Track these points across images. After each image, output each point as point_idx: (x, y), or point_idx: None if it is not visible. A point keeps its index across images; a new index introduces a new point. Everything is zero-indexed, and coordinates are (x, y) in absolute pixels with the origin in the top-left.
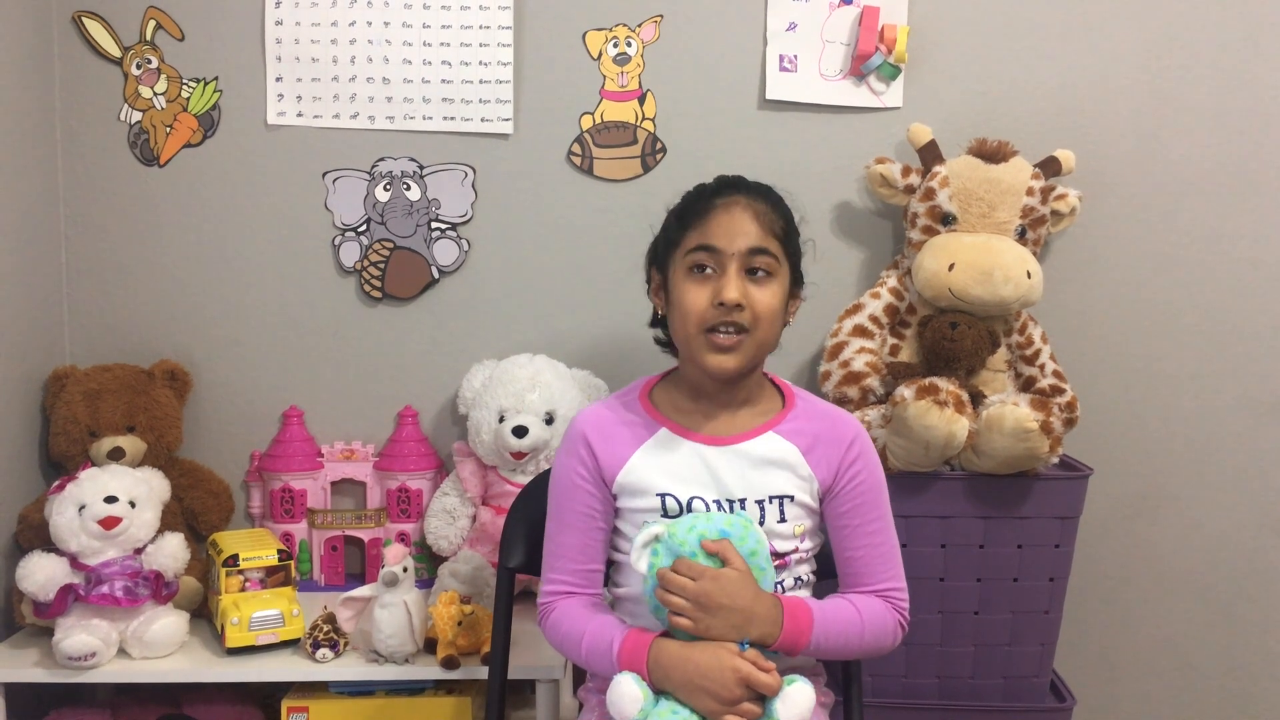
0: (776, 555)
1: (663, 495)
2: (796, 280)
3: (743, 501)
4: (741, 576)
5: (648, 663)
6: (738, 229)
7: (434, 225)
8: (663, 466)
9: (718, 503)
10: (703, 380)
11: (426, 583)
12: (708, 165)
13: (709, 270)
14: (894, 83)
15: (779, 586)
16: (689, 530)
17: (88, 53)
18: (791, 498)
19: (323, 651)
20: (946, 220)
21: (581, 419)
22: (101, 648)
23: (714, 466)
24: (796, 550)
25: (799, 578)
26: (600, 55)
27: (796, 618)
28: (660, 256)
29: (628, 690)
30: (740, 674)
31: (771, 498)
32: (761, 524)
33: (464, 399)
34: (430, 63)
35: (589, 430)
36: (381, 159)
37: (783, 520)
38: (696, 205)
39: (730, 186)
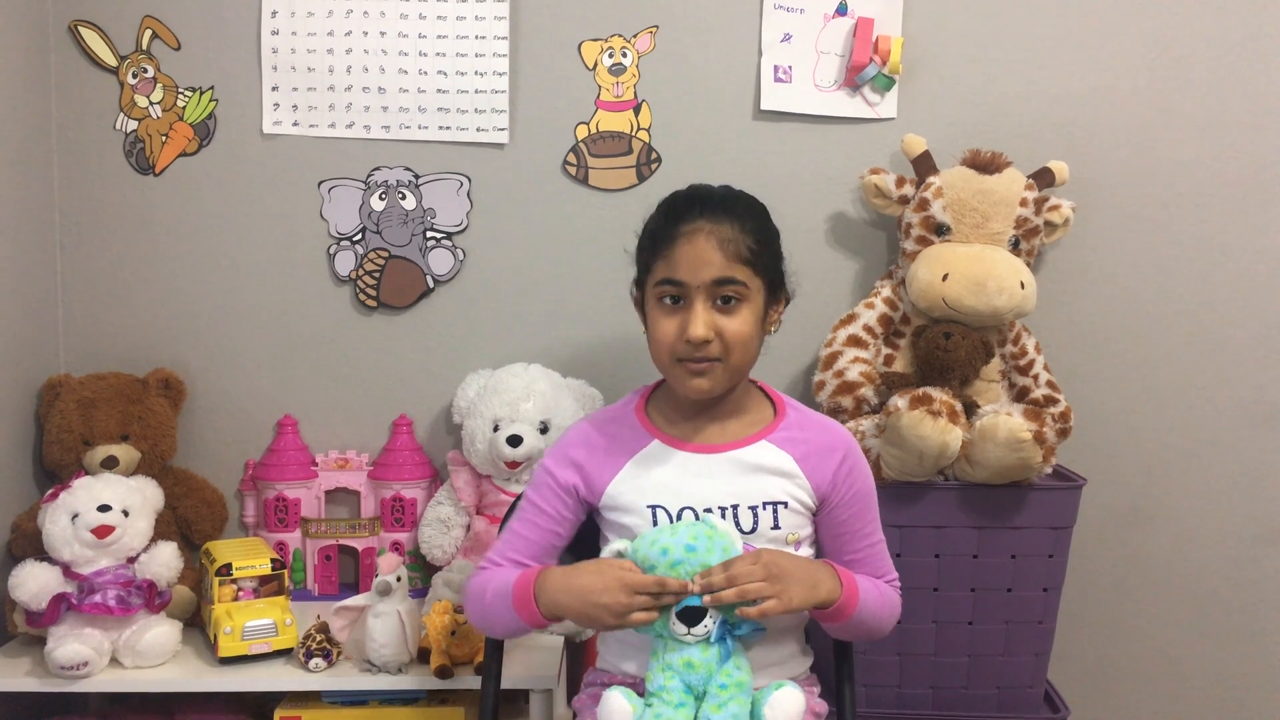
0: None
1: (653, 507)
2: (777, 288)
3: (735, 507)
4: (779, 549)
5: (534, 591)
6: (701, 260)
7: (429, 234)
8: (653, 479)
9: (708, 510)
10: (686, 397)
11: (420, 592)
12: (703, 175)
13: (678, 301)
14: (888, 94)
15: None
16: (651, 545)
17: (84, 62)
18: (785, 504)
19: (316, 661)
20: (940, 231)
21: (576, 432)
22: (94, 657)
23: (706, 474)
24: None
25: None
26: (596, 65)
27: (849, 578)
28: (639, 275)
29: (617, 705)
30: (624, 581)
31: (765, 504)
32: (754, 529)
33: (458, 408)
34: (426, 72)
35: (580, 444)
36: (377, 168)
37: (776, 527)
38: (662, 232)
39: (695, 208)
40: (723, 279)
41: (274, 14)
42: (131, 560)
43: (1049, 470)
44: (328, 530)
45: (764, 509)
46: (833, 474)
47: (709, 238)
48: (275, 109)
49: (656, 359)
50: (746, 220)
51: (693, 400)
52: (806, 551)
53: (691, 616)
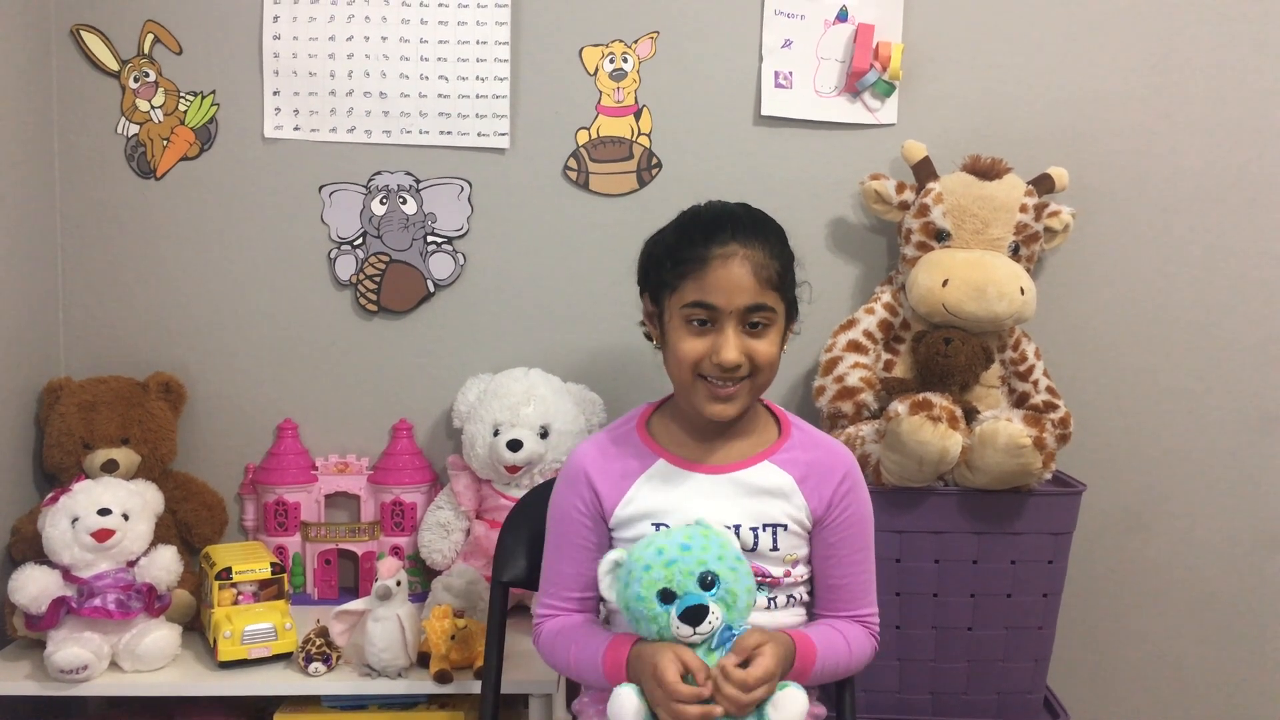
0: (767, 577)
1: (658, 526)
2: (793, 308)
3: (737, 527)
4: (774, 647)
5: (627, 667)
6: (735, 285)
7: (430, 239)
8: (660, 498)
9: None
10: (698, 416)
11: (420, 596)
12: (703, 181)
13: (706, 323)
14: (888, 99)
15: (772, 603)
16: (646, 547)
17: (85, 66)
18: (785, 526)
19: (315, 665)
20: (940, 236)
21: (582, 453)
22: (93, 661)
23: (710, 495)
24: (789, 574)
25: (791, 596)
26: (597, 71)
27: (805, 654)
28: (653, 289)
29: (630, 702)
30: (661, 685)
31: (766, 525)
32: (754, 548)
33: (459, 412)
34: (427, 77)
35: (589, 465)
36: (378, 172)
37: (775, 548)
38: (691, 252)
39: (726, 230)
40: (755, 305)
41: (275, 19)
42: (131, 564)
43: (1049, 476)
44: (327, 534)
45: (764, 530)
46: (830, 495)
47: (744, 262)
48: (276, 113)
49: (676, 375)
50: (774, 244)
51: (704, 421)
52: (802, 570)
53: (694, 616)
